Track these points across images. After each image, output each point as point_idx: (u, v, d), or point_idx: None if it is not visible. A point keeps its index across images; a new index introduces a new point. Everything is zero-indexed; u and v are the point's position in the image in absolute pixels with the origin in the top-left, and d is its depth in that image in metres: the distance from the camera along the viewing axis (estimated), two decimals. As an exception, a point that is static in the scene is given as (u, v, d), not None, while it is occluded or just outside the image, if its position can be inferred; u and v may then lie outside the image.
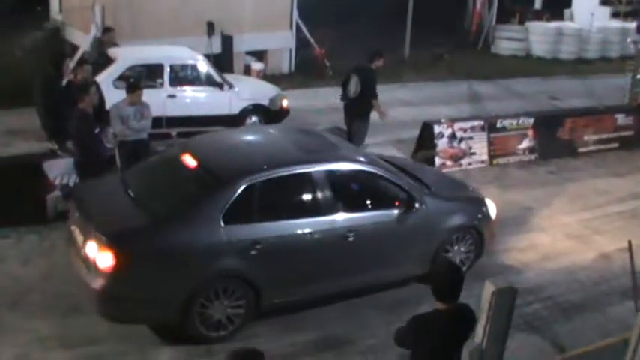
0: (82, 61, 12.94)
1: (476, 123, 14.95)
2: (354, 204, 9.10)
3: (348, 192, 9.25)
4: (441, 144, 14.32)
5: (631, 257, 7.23)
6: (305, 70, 21.47)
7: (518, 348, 8.36)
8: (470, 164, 14.51)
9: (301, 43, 22.22)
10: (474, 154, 14.69)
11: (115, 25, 16.77)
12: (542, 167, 15.18)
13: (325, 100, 17.11)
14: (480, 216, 10.14)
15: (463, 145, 14.55)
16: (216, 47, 18.85)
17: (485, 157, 14.85)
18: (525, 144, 15.35)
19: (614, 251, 11.18)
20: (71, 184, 10.92)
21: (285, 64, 21.83)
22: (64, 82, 11.91)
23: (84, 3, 18.43)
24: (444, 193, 10.06)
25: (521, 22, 28.45)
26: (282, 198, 8.74)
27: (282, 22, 21.43)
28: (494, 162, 14.95)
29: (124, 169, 10.92)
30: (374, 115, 13.58)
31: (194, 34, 18.12)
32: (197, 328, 8.15)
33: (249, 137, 10.37)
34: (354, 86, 13.20)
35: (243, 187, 8.26)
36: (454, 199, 10.20)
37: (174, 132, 12.30)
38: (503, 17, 28.78)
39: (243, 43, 19.95)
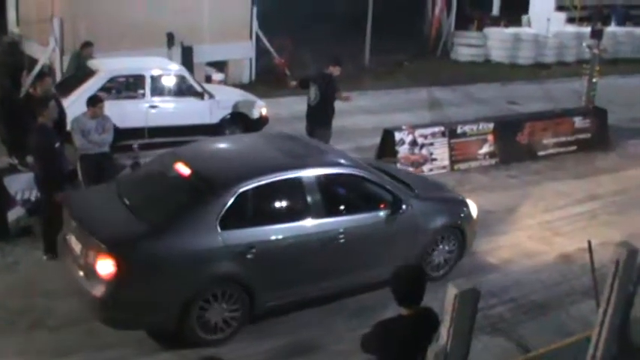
0: (42, 75, 12.85)
1: (436, 129, 15.08)
2: (343, 206, 9.41)
3: (338, 195, 9.59)
4: (402, 150, 14.43)
5: (591, 257, 7.35)
6: (266, 80, 21.49)
7: (483, 350, 8.47)
8: (431, 170, 14.61)
9: (261, 52, 22.27)
10: (435, 159, 14.82)
11: (74, 38, 16.68)
12: (503, 171, 15.35)
13: (287, 109, 17.15)
14: (462, 215, 10.44)
15: (424, 151, 14.68)
16: (177, 58, 18.79)
17: (446, 162, 14.99)
18: (486, 149, 15.52)
19: (575, 251, 11.32)
20: (32, 199, 10.84)
21: (245, 74, 21.84)
22: (23, 95, 11.81)
23: (42, 16, 18.30)
24: (427, 194, 10.36)
25: (480, 29, 28.72)
26: (275, 202, 9.04)
27: (242, 32, 21.44)
28: (456, 167, 15.09)
29: (86, 182, 10.88)
30: (335, 122, 13.69)
31: (154, 46, 18.01)
32: (195, 332, 8.29)
33: (238, 144, 10.62)
34: (313, 94, 13.32)
35: (238, 192, 8.48)
36: (437, 200, 10.53)
37: (135, 144, 12.24)
38: (462, 24, 29.04)
39: (203, 54, 19.95)
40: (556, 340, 8.89)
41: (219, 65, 21.09)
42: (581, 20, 30.06)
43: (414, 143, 14.55)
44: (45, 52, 17.91)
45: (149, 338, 8.49)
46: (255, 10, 21.68)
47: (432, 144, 14.81)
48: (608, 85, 20.73)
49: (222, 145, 10.68)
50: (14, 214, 10.83)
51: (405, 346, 5.52)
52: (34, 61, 18.37)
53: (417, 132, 14.70)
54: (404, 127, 14.79)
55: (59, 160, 10.17)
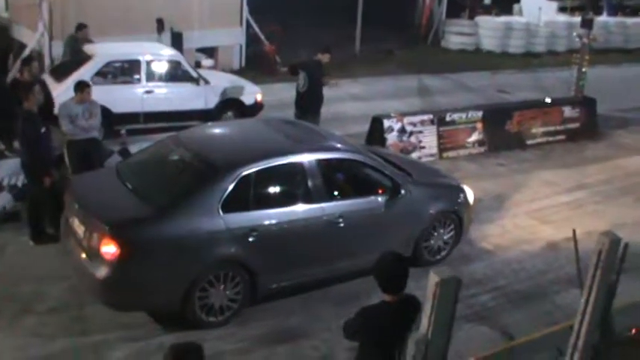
0: (29, 60, 12.79)
1: (425, 117, 15.09)
2: (343, 191, 9.56)
3: (338, 179, 9.72)
4: (391, 138, 14.43)
5: (575, 246, 7.36)
6: (255, 66, 21.48)
7: (468, 338, 8.51)
8: (420, 158, 14.56)
9: (251, 39, 22.24)
10: (423, 147, 14.83)
11: (63, 23, 16.58)
12: (492, 159, 15.37)
13: (276, 96, 17.12)
14: (459, 201, 10.60)
15: (413, 139, 14.69)
16: (166, 44, 18.69)
17: (435, 150, 15.00)
18: (474, 137, 15.55)
19: (561, 240, 11.36)
20: (19, 184, 10.81)
21: (235, 60, 21.83)
22: (10, 80, 11.76)
23: (31, 0, 18.17)
24: (424, 179, 10.51)
25: (471, 17, 28.71)
26: (276, 186, 9.17)
27: (233, 18, 21.41)
28: (444, 155, 15.10)
29: (74, 168, 10.86)
30: (325, 109, 13.75)
31: (144, 31, 17.94)
32: (197, 314, 8.43)
33: (240, 129, 10.76)
34: (302, 81, 13.37)
35: (240, 176, 8.60)
36: (435, 186, 10.68)
37: (123, 130, 12.31)
38: (453, 12, 28.98)
39: (193, 40, 19.88)
40: (541, 328, 8.95)
41: (209, 51, 21.04)
42: (573, 10, 30.00)
43: (402, 131, 14.56)
44: (34, 37, 17.83)
45: (135, 325, 8.51)
46: (245, -4, 21.64)
47: (420, 132, 14.83)
48: (598, 75, 20.76)
49: (224, 130, 10.81)
50: (1, 199, 10.80)
51: (386, 333, 5.55)
52: (23, 46, 18.29)
53: (406, 119, 14.70)
54: (393, 115, 14.79)
55: (45, 145, 10.14)
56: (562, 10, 30.30)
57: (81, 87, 10.99)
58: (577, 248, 7.46)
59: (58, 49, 17.29)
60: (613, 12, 31.46)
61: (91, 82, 11.60)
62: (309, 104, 13.39)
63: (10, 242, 10.31)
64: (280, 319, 8.90)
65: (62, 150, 11.08)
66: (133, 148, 11.70)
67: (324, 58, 13.46)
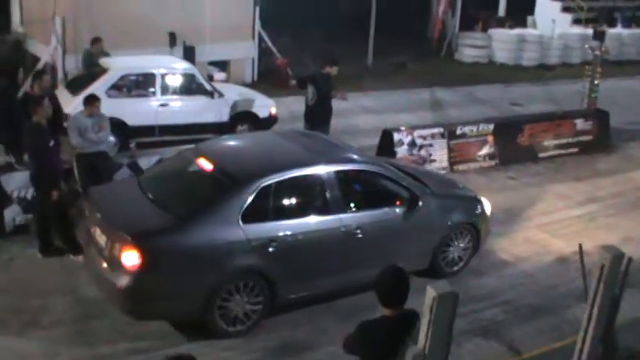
0: (40, 73, 12.87)
1: (436, 130, 15.04)
2: (361, 202, 9.59)
3: (356, 191, 9.79)
4: (401, 151, 14.38)
5: (582, 260, 7.32)
6: (268, 80, 21.51)
7: (473, 352, 8.48)
8: (430, 171, 14.55)
9: (264, 52, 22.31)
10: (434, 160, 14.76)
11: (75, 37, 16.70)
12: (503, 173, 15.28)
13: (288, 109, 17.15)
14: (477, 212, 10.64)
15: (423, 152, 14.64)
16: (179, 58, 18.80)
17: (445, 163, 14.94)
18: (485, 150, 15.47)
19: (571, 254, 11.20)
20: (28, 197, 10.86)
21: (247, 73, 21.88)
22: (22, 94, 11.85)
23: (44, 14, 18.33)
24: (442, 191, 10.52)
25: (484, 30, 28.67)
26: (295, 197, 9.27)
27: (245, 32, 21.47)
28: (455, 168, 15.03)
29: (82, 181, 10.92)
30: (337, 122, 13.73)
31: (156, 45, 18.07)
32: (217, 324, 8.52)
33: (258, 141, 10.92)
34: (310, 94, 13.41)
35: (259, 187, 8.72)
36: (452, 197, 10.72)
37: (132, 143, 12.42)
38: (467, 24, 28.96)
39: (205, 54, 19.99)
40: (549, 343, 8.89)
41: (221, 65, 21.12)
42: (588, 22, 29.90)
43: (412, 144, 14.52)
44: (47, 51, 17.97)
45: (141, 337, 8.54)
46: (257, 9, 21.69)
47: (430, 145, 14.78)
48: (611, 87, 20.67)
49: (242, 142, 10.98)
50: (10, 212, 10.85)
51: (385, 347, 5.50)
52: (37, 60, 18.43)
53: (416, 133, 14.66)
54: (403, 128, 14.76)
55: (53, 158, 10.20)
56: (576, 22, 30.20)
57: (90, 100, 11.08)
58: (583, 262, 7.43)
59: (71, 63, 17.45)
60: (627, 24, 31.32)
61: (101, 96, 11.69)
62: (318, 117, 13.40)
63: (18, 254, 10.36)
64: (288, 332, 8.90)
65: (71, 163, 11.14)
66: (142, 162, 11.76)
67: (332, 70, 13.46)
